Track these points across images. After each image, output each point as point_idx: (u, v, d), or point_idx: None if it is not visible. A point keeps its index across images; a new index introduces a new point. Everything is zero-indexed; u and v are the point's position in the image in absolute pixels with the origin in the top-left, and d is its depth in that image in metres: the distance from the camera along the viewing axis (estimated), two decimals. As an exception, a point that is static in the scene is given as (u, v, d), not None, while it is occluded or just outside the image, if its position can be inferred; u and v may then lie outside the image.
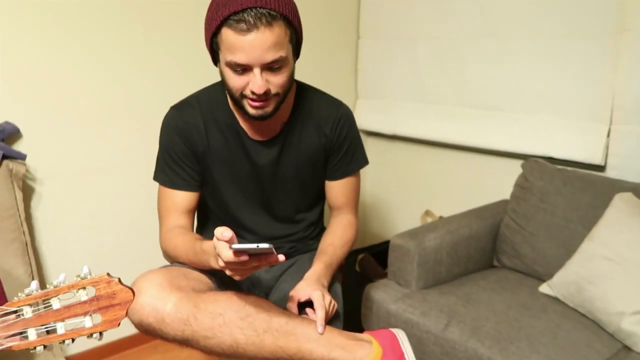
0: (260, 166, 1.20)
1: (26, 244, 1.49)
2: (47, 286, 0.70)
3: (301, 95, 1.22)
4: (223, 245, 0.87)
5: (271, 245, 0.84)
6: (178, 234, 1.13)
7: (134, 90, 1.74)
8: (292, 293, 1.09)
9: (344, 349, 0.99)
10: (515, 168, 1.71)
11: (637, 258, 1.24)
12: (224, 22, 0.98)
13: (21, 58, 1.51)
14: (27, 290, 0.69)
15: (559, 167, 1.61)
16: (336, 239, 1.24)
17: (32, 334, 0.68)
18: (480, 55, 1.88)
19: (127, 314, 0.72)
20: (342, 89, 1.37)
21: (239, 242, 0.89)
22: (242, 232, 1.25)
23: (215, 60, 1.09)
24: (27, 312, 0.69)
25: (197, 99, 1.21)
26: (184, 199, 1.19)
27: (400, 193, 2.33)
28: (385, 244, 1.81)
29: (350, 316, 1.30)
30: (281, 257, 0.90)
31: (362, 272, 1.88)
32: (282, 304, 1.08)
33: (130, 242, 1.81)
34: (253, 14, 0.95)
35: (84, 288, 0.70)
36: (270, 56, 0.98)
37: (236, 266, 0.89)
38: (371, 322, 1.48)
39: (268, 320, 0.98)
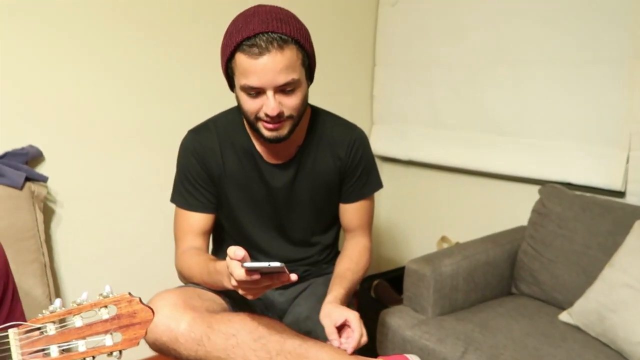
0: (275, 189, 1.21)
1: (45, 265, 1.51)
2: (71, 304, 0.71)
3: (316, 118, 1.24)
4: (235, 264, 0.87)
5: (283, 264, 0.84)
6: (193, 254, 1.15)
7: (154, 115, 1.78)
8: (324, 320, 1.05)
9: (357, 373, 0.97)
10: (532, 194, 1.70)
11: (660, 285, 1.20)
12: (237, 47, 1.01)
13: (45, 84, 1.56)
14: (51, 308, 0.71)
15: (577, 192, 1.59)
16: (353, 264, 1.23)
17: (54, 351, 0.70)
18: (496, 81, 1.89)
19: (146, 334, 0.72)
20: (358, 115, 1.39)
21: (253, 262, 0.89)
22: (256, 255, 1.25)
23: (231, 85, 1.13)
24: (51, 329, 0.70)
25: (214, 123, 1.24)
26: (200, 220, 1.20)
27: (416, 219, 2.31)
28: (401, 270, 1.80)
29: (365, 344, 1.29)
30: (293, 277, 0.90)
31: (377, 298, 1.86)
32: (295, 327, 1.08)
33: (147, 264, 1.82)
34: (265, 38, 0.98)
35: (106, 307, 0.72)
36: (282, 79, 1.01)
37: (248, 285, 0.90)
38: (386, 348, 1.45)
39: (281, 342, 0.97)
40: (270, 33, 0.99)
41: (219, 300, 1.09)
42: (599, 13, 1.59)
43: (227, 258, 0.90)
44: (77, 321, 0.71)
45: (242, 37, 0.99)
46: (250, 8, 1.06)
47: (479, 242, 1.63)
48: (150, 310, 0.73)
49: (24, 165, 1.49)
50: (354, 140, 1.24)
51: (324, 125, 1.24)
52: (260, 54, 0.99)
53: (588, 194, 1.58)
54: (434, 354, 1.32)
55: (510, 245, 1.64)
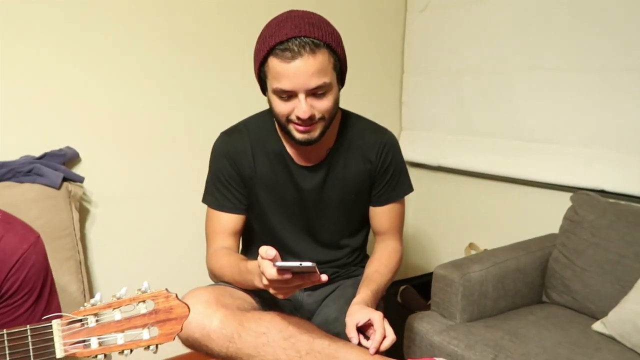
0: (305, 191, 1.22)
1: (80, 263, 1.55)
2: (110, 298, 0.74)
3: (346, 122, 1.25)
4: (267, 263, 0.88)
5: (314, 264, 0.85)
6: (224, 254, 1.16)
7: (187, 118, 1.83)
8: (348, 319, 1.05)
9: (386, 375, 0.97)
10: (562, 201, 1.66)
11: (700, 296, 1.16)
12: (270, 51, 1.03)
13: (83, 88, 1.62)
14: (92, 301, 0.73)
15: (611, 200, 1.55)
16: (382, 266, 1.23)
17: (94, 342, 0.72)
18: (528, 88, 1.86)
19: (182, 329, 0.74)
20: (387, 121, 1.40)
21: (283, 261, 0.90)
22: (286, 256, 1.26)
23: (264, 89, 1.15)
24: (91, 321, 0.73)
25: (246, 125, 1.26)
26: (231, 221, 1.22)
27: (444, 225, 2.29)
28: (427, 276, 1.78)
29: (392, 347, 1.28)
30: (324, 277, 0.90)
31: (403, 304, 1.85)
32: (324, 328, 1.08)
33: (178, 264, 1.86)
34: (297, 42, 1.00)
35: (144, 301, 0.74)
36: (314, 82, 1.03)
37: (279, 284, 0.91)
38: (414, 353, 1.44)
39: (310, 341, 0.98)
40: (302, 37, 1.01)
41: (249, 299, 1.11)
42: (634, 19, 1.56)
43: (259, 257, 0.91)
44: (116, 315, 0.73)
45: (275, 41, 1.01)
46: (283, 13, 1.08)
47: (508, 249, 1.61)
48: (186, 307, 0.75)
49: (61, 166, 1.54)
50: (384, 144, 1.24)
51: (355, 128, 1.25)
52: (293, 57, 1.01)
53: (623, 202, 1.54)
54: (462, 361, 1.31)
55: (541, 253, 1.61)
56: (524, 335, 1.33)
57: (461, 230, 2.19)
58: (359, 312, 1.05)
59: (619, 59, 1.61)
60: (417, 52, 2.30)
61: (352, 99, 1.58)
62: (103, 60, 1.64)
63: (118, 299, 0.74)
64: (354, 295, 1.13)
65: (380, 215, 1.28)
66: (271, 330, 0.98)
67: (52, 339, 0.72)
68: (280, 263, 0.87)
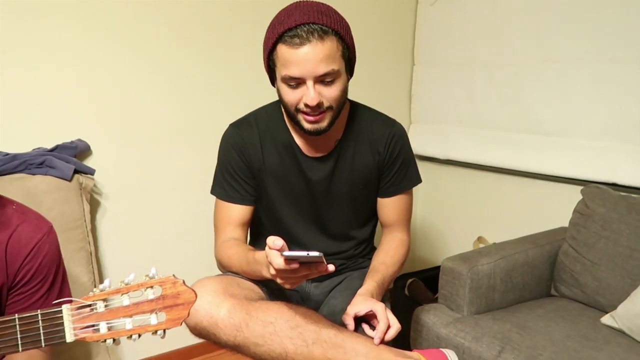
0: (313, 182, 1.22)
1: (91, 254, 1.58)
2: (119, 284, 0.75)
3: (355, 113, 1.25)
4: (275, 253, 0.89)
5: (321, 254, 0.85)
6: (232, 245, 1.17)
7: (197, 111, 1.84)
8: (349, 308, 1.07)
9: (392, 365, 0.97)
10: (573, 195, 1.65)
11: None
12: (279, 39, 1.04)
13: (95, 82, 1.63)
14: (101, 287, 0.75)
15: (623, 193, 1.54)
16: (388, 257, 1.23)
17: (103, 327, 0.74)
18: (539, 80, 1.85)
19: (189, 315, 0.75)
20: (396, 114, 1.40)
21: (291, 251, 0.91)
22: (293, 247, 1.27)
23: (272, 79, 1.15)
24: (100, 306, 0.74)
25: (255, 117, 1.26)
26: (239, 212, 1.23)
27: (453, 218, 2.29)
28: (435, 270, 1.78)
29: (399, 340, 1.28)
30: (331, 267, 0.91)
31: (411, 296, 1.85)
32: (330, 319, 1.08)
33: (188, 255, 1.87)
34: (306, 29, 1.01)
35: (152, 287, 0.75)
36: (322, 69, 1.03)
37: (287, 274, 0.91)
38: (420, 345, 1.44)
39: (317, 331, 0.98)
40: (311, 24, 1.01)
41: (257, 290, 1.12)
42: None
43: (267, 247, 0.92)
44: (124, 300, 0.75)
45: (284, 28, 1.02)
46: (292, 3, 1.08)
47: (517, 242, 1.60)
48: (193, 292, 0.76)
49: (73, 158, 1.56)
50: (392, 135, 1.24)
51: (363, 119, 1.25)
52: (301, 44, 1.01)
53: (634, 195, 1.52)
54: (469, 352, 1.31)
55: (550, 246, 1.60)
56: (531, 328, 1.33)
57: (470, 223, 2.19)
58: (362, 302, 1.06)
59: (631, 51, 1.59)
60: (427, 44, 2.28)
61: (361, 92, 1.58)
62: (114, 54, 1.65)
63: (126, 284, 0.75)
64: (360, 287, 1.14)
65: (388, 206, 1.28)
66: (278, 320, 0.98)
67: (62, 324, 0.73)
68: (287, 253, 0.88)
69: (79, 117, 1.62)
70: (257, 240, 1.35)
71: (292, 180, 1.23)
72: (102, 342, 0.74)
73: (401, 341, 1.21)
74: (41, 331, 0.73)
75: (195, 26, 1.79)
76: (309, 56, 1.01)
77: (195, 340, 1.41)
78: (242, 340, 0.97)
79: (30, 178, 1.46)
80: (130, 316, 0.74)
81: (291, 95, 1.08)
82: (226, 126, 1.28)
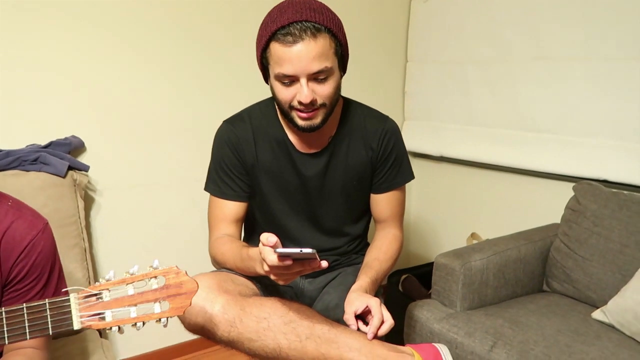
0: (307, 178, 1.23)
1: (85, 250, 1.57)
2: (124, 274, 0.77)
3: (348, 109, 1.26)
4: (268, 250, 0.90)
5: (314, 250, 0.86)
6: (226, 241, 1.18)
7: (191, 108, 1.84)
8: (347, 307, 1.07)
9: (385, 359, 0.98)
10: (565, 191, 1.67)
11: (700, 284, 1.17)
12: (272, 37, 1.04)
13: (88, 78, 1.63)
14: (106, 277, 0.77)
15: (614, 190, 1.55)
16: (381, 253, 1.24)
17: (109, 315, 0.76)
18: (532, 78, 1.86)
19: (191, 304, 0.77)
20: (390, 111, 1.40)
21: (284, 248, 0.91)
22: (287, 243, 1.28)
23: (266, 76, 1.15)
24: (106, 295, 0.76)
25: (249, 113, 1.27)
26: (233, 208, 1.24)
27: (446, 215, 2.30)
28: (429, 266, 1.79)
29: (392, 336, 1.29)
30: (324, 263, 0.92)
31: (404, 292, 1.86)
32: (324, 315, 1.09)
33: (181, 252, 1.88)
34: (298, 27, 1.01)
35: (156, 277, 0.77)
36: (315, 66, 1.03)
37: (280, 271, 0.92)
38: (414, 340, 1.45)
39: (311, 326, 0.99)
40: (303, 22, 1.01)
41: (251, 285, 1.12)
42: (637, 9, 1.55)
43: (260, 244, 0.92)
44: (129, 290, 0.77)
45: (277, 26, 1.02)
46: (285, 0, 1.08)
47: (510, 238, 1.61)
48: (195, 282, 0.78)
49: (67, 155, 1.56)
50: (386, 131, 1.25)
51: (357, 116, 1.26)
52: (294, 42, 1.01)
53: (625, 192, 1.54)
54: (462, 347, 1.32)
55: (543, 242, 1.62)
56: (523, 323, 1.34)
57: (463, 220, 2.20)
58: (357, 299, 1.06)
59: (623, 48, 1.60)
60: (421, 41, 2.29)
61: (355, 88, 1.58)
62: (108, 50, 1.65)
63: (131, 275, 0.77)
64: (354, 283, 1.14)
65: (381, 202, 1.29)
66: (272, 316, 0.99)
67: (69, 312, 0.75)
68: (280, 249, 0.88)
69: (72, 113, 1.62)
70: (251, 237, 1.36)
71: (286, 177, 1.24)
72: (108, 329, 0.76)
73: (394, 336, 1.22)
74: (49, 319, 0.75)
75: (189, 23, 1.78)
76: (302, 54, 1.02)
77: (189, 337, 1.42)
78: (236, 335, 0.98)
79: (24, 174, 1.45)
80: (135, 305, 0.76)
81: (285, 93, 1.08)
82: (220, 122, 1.29)
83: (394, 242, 1.27)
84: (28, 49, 1.52)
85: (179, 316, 0.98)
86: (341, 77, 1.14)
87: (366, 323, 1.05)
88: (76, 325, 0.75)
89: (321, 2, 1.09)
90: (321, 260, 0.92)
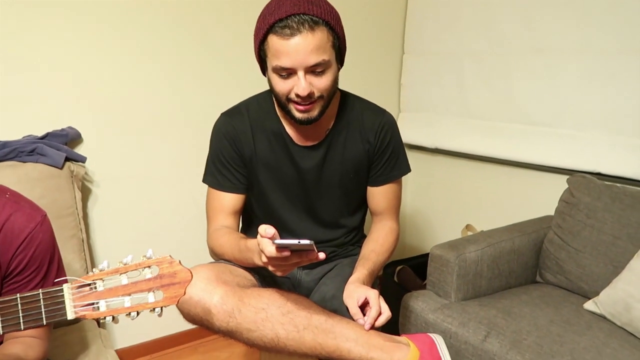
0: (304, 170, 1.24)
1: (83, 241, 1.58)
2: (117, 264, 0.77)
3: (345, 103, 1.26)
4: (266, 241, 0.91)
5: (312, 242, 0.87)
6: (224, 233, 1.19)
7: (188, 100, 1.83)
8: (347, 299, 1.08)
9: (381, 349, 1.00)
10: (559, 184, 1.69)
11: (689, 276, 1.19)
12: (270, 29, 1.04)
13: (85, 70, 1.62)
14: (100, 267, 0.77)
15: (607, 183, 1.57)
16: (378, 245, 1.26)
17: (102, 305, 0.76)
18: (527, 71, 1.87)
19: (185, 293, 0.77)
20: (386, 103, 1.41)
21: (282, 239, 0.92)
22: (284, 235, 1.28)
23: (263, 69, 1.16)
24: (100, 285, 0.76)
25: (246, 106, 1.27)
26: (231, 200, 1.25)
27: (441, 207, 2.32)
28: (424, 257, 1.81)
29: (387, 326, 1.31)
30: (321, 255, 0.93)
31: (400, 283, 1.88)
32: (321, 306, 1.10)
33: (179, 243, 1.89)
34: (296, 19, 1.02)
35: (149, 267, 0.77)
36: (313, 59, 1.04)
37: (278, 262, 0.93)
38: (409, 331, 1.47)
39: (308, 317, 1.01)
40: (301, 15, 1.02)
41: (249, 277, 1.14)
42: (633, 2, 1.56)
43: (258, 235, 0.93)
44: (123, 279, 0.77)
45: (275, 19, 1.03)
46: None
47: (504, 230, 1.63)
48: (189, 272, 0.78)
49: (64, 146, 1.56)
50: (383, 124, 1.26)
51: (354, 109, 1.26)
52: (292, 34, 1.02)
53: (618, 185, 1.56)
54: (455, 337, 1.34)
55: (536, 234, 1.64)
56: (516, 314, 1.37)
57: (458, 211, 2.22)
58: (356, 291, 1.08)
59: (618, 42, 1.61)
60: (417, 34, 2.29)
61: (351, 80, 1.59)
62: (105, 42, 1.64)
63: (125, 264, 0.77)
64: (351, 274, 1.16)
65: (378, 195, 1.30)
66: (270, 306, 1.01)
67: (63, 302, 0.75)
68: (279, 241, 0.89)
69: (69, 104, 1.62)
70: (249, 228, 1.37)
71: (283, 169, 1.25)
72: (102, 319, 0.76)
73: (390, 326, 1.24)
74: (42, 309, 0.75)
75: (186, 15, 1.77)
76: (299, 47, 1.02)
77: (186, 327, 1.43)
78: (235, 326, 0.99)
79: (22, 166, 1.45)
80: (129, 294, 0.76)
81: (282, 86, 1.09)
82: (217, 114, 1.29)
83: (390, 235, 1.28)
84: (25, 41, 1.51)
85: (177, 307, 0.99)
86: (338, 69, 1.15)
87: (363, 314, 1.07)
88: (70, 315, 0.75)
89: None
90: (318, 252, 0.93)
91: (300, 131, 1.22)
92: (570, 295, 1.50)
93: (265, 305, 1.01)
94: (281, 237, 0.93)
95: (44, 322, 0.75)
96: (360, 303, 1.06)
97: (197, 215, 1.85)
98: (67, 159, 1.54)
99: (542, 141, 1.85)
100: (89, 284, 0.75)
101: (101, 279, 0.76)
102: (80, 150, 1.66)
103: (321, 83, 1.08)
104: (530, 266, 1.63)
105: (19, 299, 0.74)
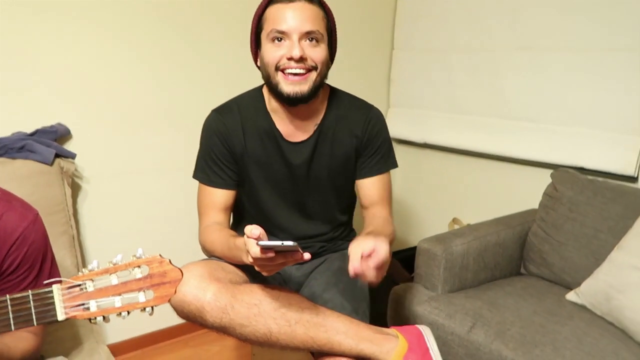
0: (294, 166, 1.26)
1: (73, 237, 1.58)
2: (107, 264, 0.77)
3: (334, 98, 1.28)
4: (252, 242, 0.92)
5: (295, 243, 0.88)
6: (215, 230, 1.20)
7: (177, 96, 1.83)
8: (352, 248, 0.96)
9: (371, 341, 1.03)
10: (544, 178, 1.72)
11: (666, 268, 1.24)
12: (271, 0, 1.12)
13: (74, 66, 1.62)
14: (90, 267, 0.77)
15: (590, 177, 1.61)
16: (379, 227, 1.18)
17: (93, 305, 0.76)
18: (514, 67, 1.90)
19: (175, 292, 0.78)
20: (375, 98, 1.44)
21: (269, 240, 0.94)
22: (275, 231, 1.31)
23: (257, 50, 1.20)
24: (90, 286, 0.76)
25: (237, 103, 1.28)
26: (222, 196, 1.26)
27: (429, 201, 2.35)
28: (412, 250, 1.85)
29: (376, 318, 1.34)
30: (307, 255, 0.93)
31: (388, 276, 1.91)
32: (311, 300, 1.13)
33: (170, 239, 1.90)
34: None
35: (139, 267, 0.77)
36: (308, 26, 1.10)
37: (263, 262, 0.94)
38: (397, 322, 1.51)
39: (300, 311, 1.03)
40: None
41: (240, 273, 1.16)
42: (617, 0, 1.59)
43: (245, 236, 0.95)
44: (113, 279, 0.77)
45: None
46: None
47: (490, 224, 1.67)
48: (179, 271, 0.79)
49: (53, 142, 1.55)
50: (370, 119, 1.28)
51: (342, 104, 1.28)
52: (291, 1, 1.10)
53: (600, 179, 1.60)
54: (442, 329, 1.38)
55: (521, 227, 1.68)
56: (501, 305, 1.40)
57: (445, 205, 2.25)
58: (365, 241, 0.96)
59: (603, 40, 1.64)
60: (407, 29, 2.31)
61: (341, 75, 1.60)
62: (93, 38, 1.63)
63: (114, 264, 0.77)
64: (340, 268, 1.18)
65: (368, 187, 1.30)
66: (263, 302, 1.03)
67: (53, 303, 0.75)
68: (262, 242, 0.90)
69: (58, 101, 1.61)
70: (239, 224, 1.38)
71: (274, 165, 1.26)
72: (93, 320, 0.76)
73: (379, 318, 1.27)
74: (33, 310, 0.75)
75: (175, 12, 1.77)
76: (297, 12, 1.09)
77: (178, 321, 1.45)
78: (228, 321, 1.01)
79: (11, 162, 1.45)
80: (119, 294, 0.77)
81: (275, 52, 1.12)
82: (206, 111, 1.30)
83: (387, 224, 1.24)
84: (13, 37, 1.50)
85: (171, 304, 1.01)
86: (329, 58, 1.18)
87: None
88: (60, 317, 0.75)
89: None
90: (306, 249, 0.94)
91: (290, 127, 1.24)
92: (553, 286, 1.55)
93: (258, 301, 1.03)
94: (270, 234, 0.94)
95: (35, 323, 0.75)
96: (367, 253, 0.94)
97: (186, 211, 1.85)
98: (56, 156, 1.54)
99: (527, 136, 1.88)
100: (79, 285, 0.76)
101: (91, 279, 0.76)
102: (69, 146, 1.65)
103: (315, 54, 1.12)
104: (515, 258, 1.67)
105: (8, 300, 0.74)
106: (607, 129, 1.67)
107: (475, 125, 2.05)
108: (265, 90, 1.27)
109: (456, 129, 2.13)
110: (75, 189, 1.69)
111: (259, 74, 1.24)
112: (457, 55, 2.09)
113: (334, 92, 1.30)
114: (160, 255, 0.78)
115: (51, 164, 1.51)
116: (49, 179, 1.51)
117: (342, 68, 1.62)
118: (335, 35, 1.19)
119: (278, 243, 0.88)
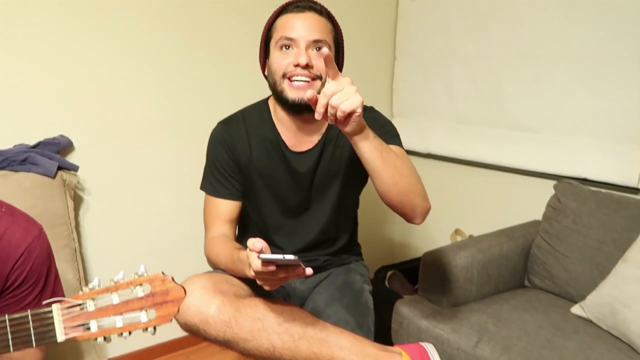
0: (299, 175, 1.26)
1: (75, 251, 1.58)
2: (108, 282, 0.76)
3: None
4: (254, 255, 0.91)
5: (297, 257, 0.87)
6: (220, 242, 1.20)
7: (180, 108, 1.84)
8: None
9: (375, 359, 1.02)
10: (547, 189, 1.72)
11: (672, 281, 1.23)
12: (282, 10, 1.17)
13: (77, 77, 1.62)
14: (90, 285, 0.75)
15: (593, 188, 1.61)
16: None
17: (93, 325, 0.74)
18: (515, 77, 1.90)
19: (178, 311, 0.76)
20: (378, 108, 1.44)
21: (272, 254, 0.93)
22: (280, 243, 1.30)
23: (265, 60, 1.22)
24: (90, 305, 0.74)
25: (243, 114, 1.29)
26: (228, 207, 1.26)
27: (432, 211, 2.32)
28: (415, 261, 1.84)
29: (380, 331, 1.33)
30: (309, 270, 0.92)
31: (391, 289, 1.91)
32: (315, 314, 1.12)
33: (173, 252, 1.89)
34: (307, 4, 1.17)
35: (141, 285, 0.75)
36: (316, 35, 1.13)
37: (265, 276, 0.93)
38: (401, 337, 1.50)
39: (304, 327, 1.02)
40: (311, 3, 1.18)
41: (244, 286, 1.15)
42: (619, 10, 1.60)
43: (247, 249, 0.94)
44: (114, 298, 0.75)
45: (288, 2, 1.18)
46: None
47: (493, 236, 1.66)
48: (182, 289, 0.76)
49: (56, 155, 1.55)
50: (372, 118, 1.26)
51: None
52: (302, 11, 1.14)
53: (603, 190, 1.60)
54: (448, 343, 1.37)
55: (524, 240, 1.67)
56: (506, 319, 1.39)
57: (448, 216, 2.25)
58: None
59: (605, 49, 1.64)
60: (408, 40, 2.32)
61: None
62: (96, 49, 1.64)
63: (115, 283, 0.75)
64: (344, 282, 1.17)
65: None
66: (266, 316, 1.02)
67: (52, 324, 0.73)
68: (263, 255, 0.89)
69: (61, 113, 1.61)
70: (244, 235, 1.37)
71: (279, 176, 1.26)
72: (93, 340, 0.74)
73: (383, 333, 1.26)
74: (32, 331, 0.73)
75: (181, 22, 1.78)
76: (305, 22, 1.13)
77: (178, 334, 1.43)
78: (232, 335, 1.00)
79: (13, 175, 1.45)
80: (121, 314, 0.74)
81: (282, 60, 1.14)
82: (210, 122, 1.31)
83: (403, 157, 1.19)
84: (15, 49, 1.50)
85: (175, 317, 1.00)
86: None
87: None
88: (59, 338, 0.73)
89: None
90: (310, 263, 0.94)
91: (295, 137, 1.24)
92: (557, 299, 1.54)
93: (262, 315, 1.02)
94: (274, 247, 0.93)
95: (34, 345, 0.73)
96: (330, 93, 0.92)
97: (190, 223, 1.85)
98: (59, 168, 1.54)
99: (530, 147, 1.88)
100: (80, 304, 0.74)
101: (92, 298, 0.74)
102: (72, 158, 1.65)
103: (320, 62, 1.12)
104: (519, 271, 1.66)
105: (7, 321, 0.73)
106: (610, 140, 1.66)
107: (478, 135, 2.06)
108: (271, 101, 1.28)
109: (459, 139, 2.13)
110: (78, 201, 1.69)
111: (265, 86, 1.25)
112: (459, 65, 2.10)
113: None
114: (162, 273, 0.76)
115: (54, 177, 1.51)
116: (52, 191, 1.51)
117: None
118: (343, 49, 1.20)
119: (279, 257, 0.87)
